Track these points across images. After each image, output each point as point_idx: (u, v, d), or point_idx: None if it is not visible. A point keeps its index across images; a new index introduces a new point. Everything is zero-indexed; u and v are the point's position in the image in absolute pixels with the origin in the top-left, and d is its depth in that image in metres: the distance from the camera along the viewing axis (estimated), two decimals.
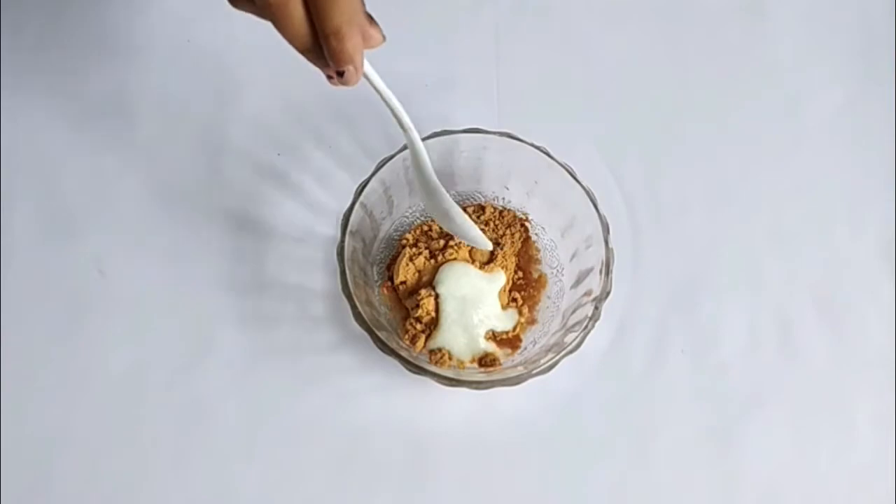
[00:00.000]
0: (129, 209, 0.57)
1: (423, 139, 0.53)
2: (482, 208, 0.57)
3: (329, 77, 0.43)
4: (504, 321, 0.54)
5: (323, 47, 0.41)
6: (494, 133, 0.54)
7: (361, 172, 0.54)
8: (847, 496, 0.54)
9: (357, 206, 0.53)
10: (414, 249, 0.55)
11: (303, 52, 0.42)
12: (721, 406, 0.55)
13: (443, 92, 0.60)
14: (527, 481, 0.53)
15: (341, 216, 0.53)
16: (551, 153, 0.54)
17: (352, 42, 0.41)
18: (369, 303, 0.53)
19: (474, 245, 0.52)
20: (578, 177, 0.54)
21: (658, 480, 0.54)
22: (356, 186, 0.53)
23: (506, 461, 0.54)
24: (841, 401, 0.56)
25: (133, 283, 0.55)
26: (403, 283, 0.54)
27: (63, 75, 0.59)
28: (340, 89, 0.43)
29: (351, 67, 0.43)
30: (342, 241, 0.52)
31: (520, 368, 0.51)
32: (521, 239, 0.56)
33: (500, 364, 0.53)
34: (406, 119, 0.47)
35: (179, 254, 0.56)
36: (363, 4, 0.41)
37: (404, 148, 0.51)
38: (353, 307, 0.50)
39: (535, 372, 0.50)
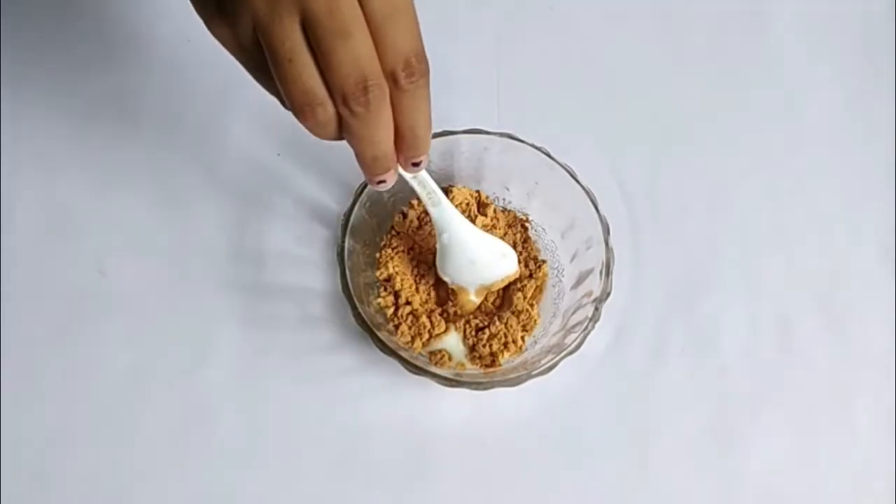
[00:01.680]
0: (130, 209, 0.57)
1: None
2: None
3: (380, 182, 0.43)
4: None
5: (402, 140, 0.41)
6: (495, 134, 0.54)
7: (361, 172, 0.54)
8: (847, 496, 0.54)
9: (357, 206, 0.53)
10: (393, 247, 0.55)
11: (378, 155, 0.41)
12: (721, 406, 0.55)
13: (443, 92, 0.59)
14: (527, 481, 0.53)
15: (341, 216, 0.53)
16: (552, 154, 0.54)
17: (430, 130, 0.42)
18: (369, 303, 0.53)
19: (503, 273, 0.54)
20: (579, 177, 0.54)
21: (658, 480, 0.54)
22: (356, 187, 0.53)
23: (506, 461, 0.54)
24: (841, 401, 0.56)
25: (133, 283, 0.55)
26: (389, 278, 0.54)
27: (63, 75, 0.59)
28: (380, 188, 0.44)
29: (426, 155, 0.43)
30: (342, 241, 0.52)
31: (520, 369, 0.51)
32: (522, 240, 0.56)
33: (500, 364, 0.53)
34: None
35: (179, 254, 0.56)
36: None
37: None
38: (353, 307, 0.50)
39: (535, 373, 0.50)
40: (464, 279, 0.53)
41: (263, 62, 0.38)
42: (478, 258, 0.52)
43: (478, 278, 0.53)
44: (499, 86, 0.62)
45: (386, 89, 0.38)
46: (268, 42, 0.37)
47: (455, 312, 0.54)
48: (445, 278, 0.53)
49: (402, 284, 0.54)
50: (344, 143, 0.42)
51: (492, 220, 0.56)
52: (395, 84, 0.38)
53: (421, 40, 0.39)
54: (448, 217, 0.51)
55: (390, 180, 0.43)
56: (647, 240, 0.58)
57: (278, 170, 0.58)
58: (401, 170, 0.44)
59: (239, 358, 0.54)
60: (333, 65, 0.37)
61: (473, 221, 0.55)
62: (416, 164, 0.43)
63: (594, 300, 0.52)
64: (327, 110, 0.38)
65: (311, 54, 0.37)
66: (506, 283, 0.54)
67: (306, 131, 0.58)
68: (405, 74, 0.38)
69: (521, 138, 0.54)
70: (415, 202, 0.56)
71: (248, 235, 0.57)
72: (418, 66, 0.38)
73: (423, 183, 0.49)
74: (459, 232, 0.51)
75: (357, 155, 0.41)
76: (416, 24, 0.39)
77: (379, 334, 0.50)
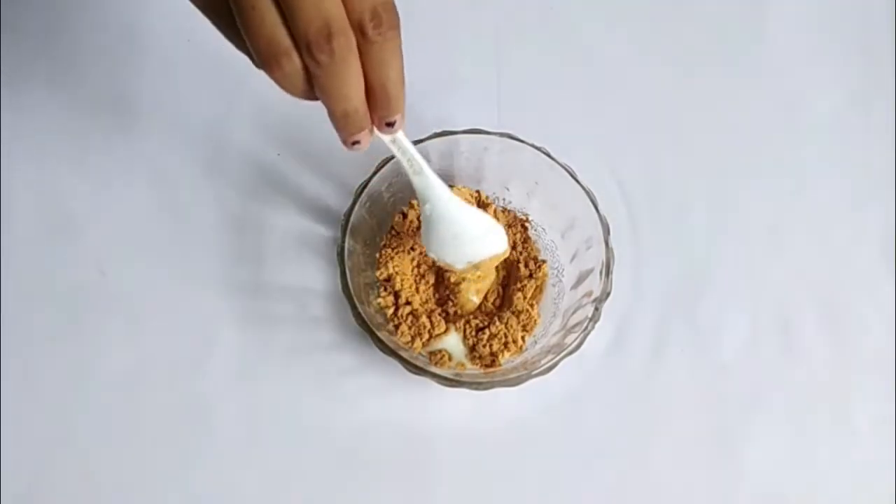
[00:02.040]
0: (129, 209, 0.57)
1: (424, 140, 0.53)
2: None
3: (355, 143, 0.41)
4: None
5: (373, 96, 0.39)
6: (495, 134, 0.54)
7: (362, 172, 0.54)
8: (847, 496, 0.54)
9: (357, 206, 0.53)
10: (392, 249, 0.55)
11: (348, 110, 0.39)
12: (721, 406, 0.55)
13: (443, 92, 0.60)
14: (527, 481, 0.53)
15: (341, 216, 0.53)
16: (552, 154, 0.54)
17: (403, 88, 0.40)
18: (369, 303, 0.53)
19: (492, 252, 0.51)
20: (578, 177, 0.54)
21: (658, 480, 0.54)
22: (356, 186, 0.53)
23: (506, 461, 0.54)
24: (841, 401, 0.56)
25: (133, 283, 0.55)
26: (389, 278, 0.54)
27: (63, 75, 0.59)
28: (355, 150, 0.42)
29: (400, 115, 0.41)
30: (342, 241, 0.52)
31: (520, 369, 0.51)
32: (522, 240, 0.56)
33: (500, 364, 0.53)
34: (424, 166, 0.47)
35: (179, 254, 0.56)
36: None
37: None
38: (353, 307, 0.50)
39: (535, 373, 0.50)
40: (449, 255, 0.50)
41: (229, 14, 0.37)
42: (462, 232, 0.49)
43: (463, 255, 0.50)
44: (499, 86, 0.62)
45: (352, 39, 0.37)
46: None
47: (455, 312, 0.54)
48: (430, 255, 0.51)
49: (402, 284, 0.54)
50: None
51: None
52: (362, 35, 0.37)
53: None
54: (430, 186, 0.48)
55: (364, 141, 0.42)
56: (647, 240, 0.58)
57: (278, 170, 0.58)
58: (379, 134, 0.43)
59: (239, 358, 0.54)
60: (296, 11, 0.36)
61: None
62: (390, 125, 0.42)
63: (594, 300, 0.52)
64: (293, 61, 0.37)
65: (276, 4, 0.36)
66: (496, 262, 0.52)
67: (305, 131, 0.59)
68: (373, 25, 0.37)
69: (521, 138, 0.54)
70: (415, 202, 0.56)
71: (248, 235, 0.57)
72: (386, 16, 0.37)
73: (402, 149, 0.46)
74: (442, 203, 0.48)
75: (328, 112, 0.40)
76: None
77: (379, 334, 0.50)
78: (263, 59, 0.37)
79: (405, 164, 0.47)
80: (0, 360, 0.53)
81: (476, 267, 0.51)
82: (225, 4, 0.37)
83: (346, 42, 0.37)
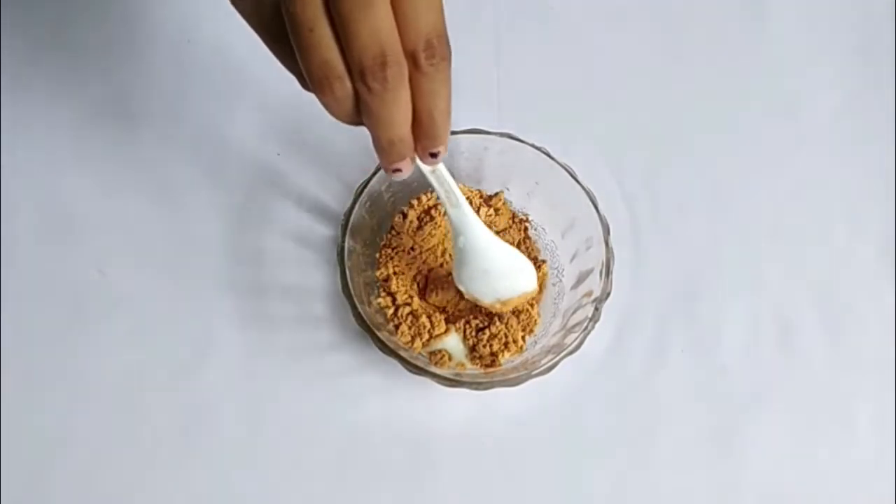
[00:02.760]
0: (130, 209, 0.57)
1: None
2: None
3: (396, 171, 0.41)
4: None
5: (419, 126, 0.39)
6: (495, 134, 0.54)
7: (362, 172, 0.54)
8: (847, 496, 0.54)
9: (357, 206, 0.53)
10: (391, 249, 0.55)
11: (394, 139, 0.40)
12: (721, 406, 0.55)
13: None
14: (527, 481, 0.53)
15: (341, 216, 0.53)
16: (552, 154, 0.54)
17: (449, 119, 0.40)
18: (369, 303, 0.53)
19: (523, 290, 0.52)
20: (579, 177, 0.54)
21: (658, 480, 0.54)
22: (356, 186, 0.53)
23: (506, 461, 0.54)
24: (841, 401, 0.56)
25: (133, 283, 0.55)
26: (387, 279, 0.54)
27: (63, 75, 0.59)
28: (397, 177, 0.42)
29: (444, 146, 0.41)
30: (342, 241, 0.52)
31: (520, 369, 0.51)
32: (522, 239, 0.56)
33: (500, 364, 0.53)
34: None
35: (179, 254, 0.56)
36: None
37: None
38: (353, 307, 0.50)
39: (535, 373, 0.50)
40: (479, 290, 0.51)
41: (284, 34, 0.37)
42: (493, 268, 0.50)
43: (493, 291, 0.51)
44: (499, 86, 0.62)
45: (405, 68, 0.37)
46: (289, 10, 0.36)
47: (453, 313, 0.54)
48: (460, 287, 0.51)
49: (401, 285, 0.54)
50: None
51: (494, 210, 0.56)
52: (414, 65, 0.37)
53: (443, 21, 0.37)
54: (466, 220, 0.49)
55: (406, 170, 0.42)
56: (647, 240, 0.58)
57: (278, 170, 0.58)
58: (420, 163, 0.43)
59: (239, 358, 0.54)
60: (352, 35, 0.36)
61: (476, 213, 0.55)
62: (433, 155, 0.42)
63: (594, 300, 0.52)
64: (345, 85, 0.37)
65: (333, 28, 0.36)
66: (524, 300, 0.52)
67: (305, 131, 0.59)
68: (426, 56, 0.37)
69: (521, 138, 0.54)
70: (414, 202, 0.56)
71: (247, 235, 0.57)
72: (439, 47, 0.37)
73: (441, 180, 0.47)
74: (476, 237, 0.49)
75: (373, 138, 0.40)
76: (440, 3, 0.37)
77: (379, 334, 0.50)
78: (315, 81, 0.37)
79: (443, 196, 0.47)
80: (0, 360, 0.53)
81: (503, 304, 0.52)
82: (280, 24, 0.37)
83: (400, 71, 0.37)
